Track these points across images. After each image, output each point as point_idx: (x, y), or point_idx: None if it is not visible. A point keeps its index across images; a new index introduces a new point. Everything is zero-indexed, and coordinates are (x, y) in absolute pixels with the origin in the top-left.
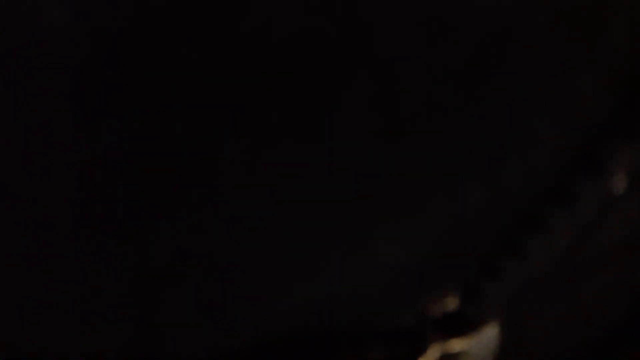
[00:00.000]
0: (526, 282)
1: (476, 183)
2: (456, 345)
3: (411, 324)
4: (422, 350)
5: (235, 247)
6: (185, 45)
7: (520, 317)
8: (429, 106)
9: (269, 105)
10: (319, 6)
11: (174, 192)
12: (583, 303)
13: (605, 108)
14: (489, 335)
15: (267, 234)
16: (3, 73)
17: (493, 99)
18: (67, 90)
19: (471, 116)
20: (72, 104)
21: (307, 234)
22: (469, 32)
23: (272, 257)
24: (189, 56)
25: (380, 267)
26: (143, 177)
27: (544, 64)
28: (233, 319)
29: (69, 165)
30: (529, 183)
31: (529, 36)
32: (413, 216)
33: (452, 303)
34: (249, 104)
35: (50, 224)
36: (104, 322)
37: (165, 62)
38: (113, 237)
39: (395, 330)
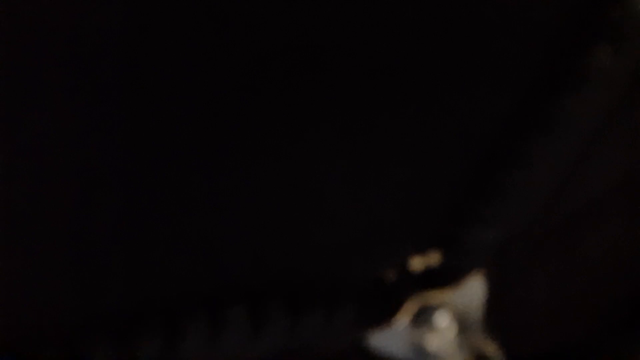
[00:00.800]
0: (511, 226)
1: (447, 113)
2: (436, 297)
3: (392, 277)
4: (402, 304)
5: (211, 191)
6: (184, 47)
7: (510, 269)
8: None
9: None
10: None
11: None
12: (584, 260)
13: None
14: (473, 286)
15: (245, 184)
16: (4, 73)
17: (458, 22)
18: (68, 90)
19: (436, 45)
20: (73, 104)
21: (283, 182)
22: None
23: (249, 203)
24: (188, 58)
25: (357, 219)
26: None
27: None
28: (209, 263)
29: (69, 164)
30: (502, 109)
31: None
32: (388, 164)
33: (434, 257)
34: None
35: (50, 222)
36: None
37: (164, 62)
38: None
39: (375, 284)
